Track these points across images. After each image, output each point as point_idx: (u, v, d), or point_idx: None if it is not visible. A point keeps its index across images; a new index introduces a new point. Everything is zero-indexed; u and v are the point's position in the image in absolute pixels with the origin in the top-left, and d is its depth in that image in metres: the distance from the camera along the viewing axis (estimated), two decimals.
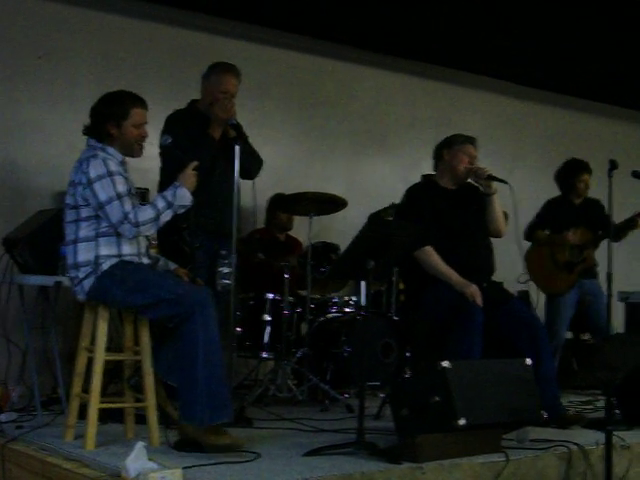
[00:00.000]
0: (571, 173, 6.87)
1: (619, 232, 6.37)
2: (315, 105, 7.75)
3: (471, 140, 5.37)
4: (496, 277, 5.44)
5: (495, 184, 5.27)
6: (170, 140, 4.38)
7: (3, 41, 6.13)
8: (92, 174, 4.02)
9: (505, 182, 5.17)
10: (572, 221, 6.75)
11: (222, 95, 5.07)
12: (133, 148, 4.22)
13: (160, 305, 4.00)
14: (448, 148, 5.36)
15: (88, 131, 4.21)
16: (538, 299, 7.01)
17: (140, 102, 4.21)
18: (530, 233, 6.82)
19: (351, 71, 7.96)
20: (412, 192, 5.42)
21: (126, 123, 4.15)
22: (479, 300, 4.92)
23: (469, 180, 5.35)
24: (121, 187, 4.05)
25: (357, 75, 8.00)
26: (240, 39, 7.22)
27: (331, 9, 6.92)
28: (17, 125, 6.16)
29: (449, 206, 5.27)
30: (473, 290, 4.95)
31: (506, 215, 5.51)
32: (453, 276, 5.04)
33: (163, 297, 3.98)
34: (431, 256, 5.09)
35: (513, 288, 7.23)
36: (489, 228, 5.32)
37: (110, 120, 4.14)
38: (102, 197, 4.01)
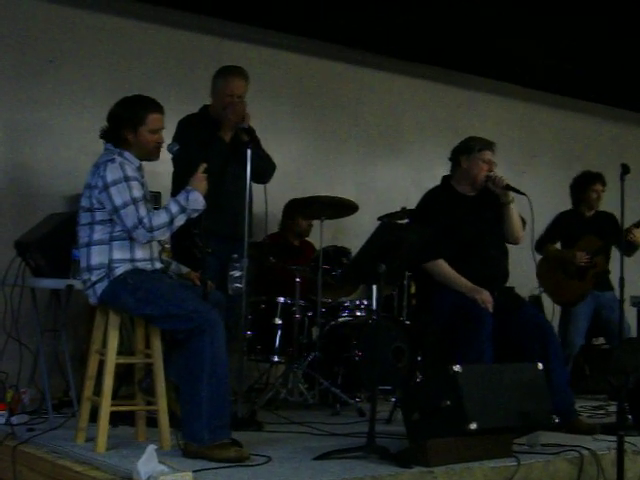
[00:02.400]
0: (584, 183, 6.85)
1: (627, 247, 6.33)
2: (326, 109, 7.75)
3: (489, 146, 5.25)
4: (509, 283, 5.40)
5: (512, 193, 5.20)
6: (177, 148, 4.39)
7: (15, 45, 6.16)
8: (109, 178, 4.02)
9: (522, 193, 5.08)
10: (582, 233, 6.73)
11: (229, 98, 5.08)
12: (150, 153, 4.23)
13: (170, 319, 4.00)
14: (467, 155, 5.22)
15: (105, 135, 4.21)
16: (554, 311, 6.99)
17: (157, 107, 4.21)
18: (540, 246, 6.77)
19: (362, 75, 7.96)
20: (429, 198, 5.34)
21: (142, 129, 4.15)
22: (490, 306, 4.90)
23: None
24: (137, 192, 4.05)
25: (368, 79, 8.00)
26: (251, 43, 7.22)
27: (342, 13, 6.92)
28: (28, 128, 6.18)
29: (466, 213, 5.19)
30: (484, 296, 4.92)
31: (523, 221, 5.46)
32: (464, 284, 5.01)
33: (172, 312, 3.98)
34: (443, 268, 5.04)
35: (525, 293, 7.23)
36: (506, 235, 5.27)
37: (127, 125, 4.14)
38: (118, 202, 4.01)
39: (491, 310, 4.88)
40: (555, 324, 6.45)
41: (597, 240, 6.66)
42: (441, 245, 5.01)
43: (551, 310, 6.86)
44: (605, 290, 6.74)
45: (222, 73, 5.21)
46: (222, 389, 3.94)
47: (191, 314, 3.94)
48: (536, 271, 6.83)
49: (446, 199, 5.26)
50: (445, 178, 5.38)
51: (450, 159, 5.34)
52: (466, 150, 5.25)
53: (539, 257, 6.77)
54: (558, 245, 6.96)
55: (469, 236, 5.12)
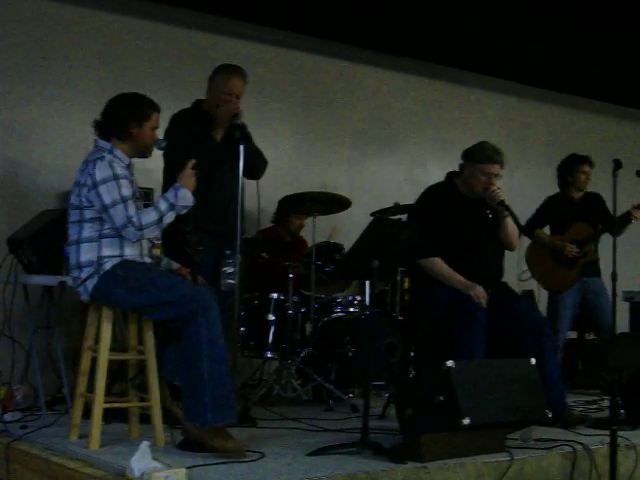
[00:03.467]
0: (571, 165, 6.84)
1: (618, 227, 6.32)
2: (318, 105, 7.75)
3: (490, 159, 5.12)
4: (513, 275, 5.38)
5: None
6: (164, 144, 4.38)
7: (6, 42, 6.14)
8: (98, 177, 4.02)
9: (511, 213, 5.08)
10: (571, 217, 6.73)
11: (227, 97, 5.07)
12: (148, 148, 4.26)
13: (162, 306, 4.00)
14: (469, 162, 5.16)
15: (103, 129, 4.21)
16: (539, 296, 7.00)
17: (158, 108, 4.28)
18: (530, 230, 6.78)
19: (354, 70, 7.96)
20: (430, 193, 5.32)
21: (147, 125, 4.19)
22: (484, 301, 4.91)
23: None
24: (126, 191, 4.05)
25: (360, 74, 8.00)
26: (242, 38, 7.22)
27: (334, 8, 6.92)
28: (20, 125, 6.17)
29: (464, 214, 5.19)
30: (478, 291, 4.93)
31: (520, 227, 5.43)
32: (457, 279, 5.02)
33: (165, 299, 3.98)
34: (439, 266, 5.05)
35: (517, 287, 7.25)
36: (501, 241, 5.28)
37: (132, 120, 4.16)
38: (107, 200, 4.01)
39: (485, 305, 4.90)
40: (543, 310, 6.49)
41: (587, 227, 6.66)
42: (438, 242, 5.02)
43: (537, 295, 6.92)
44: (593, 276, 6.74)
45: (223, 71, 5.19)
46: (222, 370, 3.94)
47: (183, 299, 3.95)
48: (525, 254, 6.86)
49: (447, 197, 5.24)
50: (450, 175, 5.34)
51: (461, 159, 5.27)
52: (469, 157, 5.19)
53: (524, 245, 6.78)
54: (547, 229, 6.97)
55: (466, 235, 5.12)
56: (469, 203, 5.24)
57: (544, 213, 6.89)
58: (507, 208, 5.11)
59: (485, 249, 5.18)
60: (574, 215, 6.75)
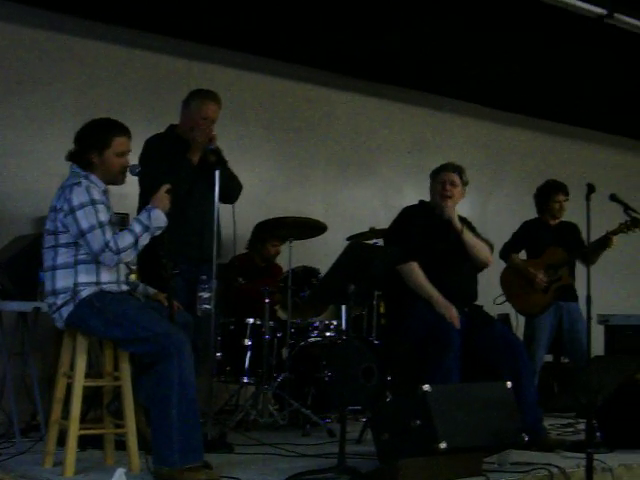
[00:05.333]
0: (546, 193, 6.90)
1: (592, 254, 6.36)
2: (294, 130, 7.78)
3: (445, 167, 5.40)
4: (488, 297, 5.43)
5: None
6: (138, 169, 4.38)
7: None
8: (75, 202, 4.00)
9: (459, 230, 5.22)
10: (548, 243, 6.77)
11: (203, 121, 5.09)
12: (115, 177, 4.23)
13: (136, 342, 3.98)
14: (431, 179, 5.43)
15: (72, 157, 4.20)
16: (518, 321, 7.02)
17: (123, 131, 4.22)
18: (505, 254, 6.83)
19: (329, 96, 7.99)
20: (405, 212, 5.45)
21: (108, 152, 4.15)
22: (457, 322, 4.93)
23: None
24: (103, 216, 4.04)
25: (335, 100, 8.04)
26: (218, 64, 7.24)
27: (309, 35, 6.97)
28: None
29: (438, 231, 5.27)
30: (452, 312, 4.96)
31: (491, 246, 5.50)
32: (434, 295, 5.05)
33: (139, 335, 3.96)
34: (415, 271, 5.11)
35: (493, 311, 7.27)
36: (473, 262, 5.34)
37: (92, 148, 4.14)
38: (84, 225, 3.99)
39: (457, 326, 4.91)
40: (520, 334, 6.53)
41: (561, 252, 6.70)
42: (415, 251, 5.06)
43: (515, 320, 6.95)
44: (570, 301, 6.77)
45: (197, 96, 5.21)
46: (192, 412, 3.91)
47: (158, 337, 3.92)
48: (500, 277, 6.89)
49: (421, 216, 5.34)
50: (422, 201, 5.51)
51: None
52: (431, 176, 5.44)
53: (500, 270, 6.83)
54: (523, 253, 7.01)
55: (439, 253, 5.17)
56: (443, 223, 5.30)
57: (520, 237, 6.93)
58: (451, 220, 5.24)
59: (459, 267, 5.24)
60: (550, 240, 6.79)
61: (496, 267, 6.71)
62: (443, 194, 5.29)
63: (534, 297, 6.74)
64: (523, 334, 6.81)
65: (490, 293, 6.53)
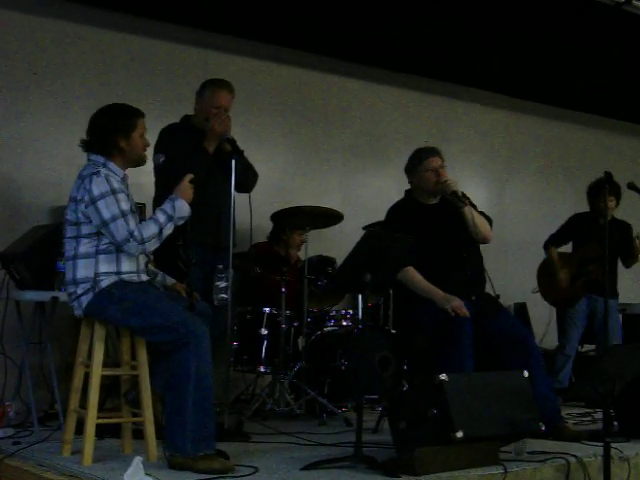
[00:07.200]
0: (594, 192, 6.86)
1: (632, 257, 6.44)
2: (309, 119, 7.76)
3: (430, 153, 5.27)
4: (504, 287, 5.38)
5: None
6: (163, 159, 4.38)
7: None
8: (95, 192, 4.00)
9: (463, 203, 5.13)
10: (592, 237, 6.71)
11: (216, 110, 5.09)
12: (142, 157, 4.25)
13: (155, 330, 3.99)
14: (413, 171, 5.30)
15: (90, 146, 4.19)
16: (550, 311, 7.09)
17: (141, 112, 4.25)
18: (546, 244, 6.90)
19: (345, 85, 7.98)
20: (392, 212, 5.37)
21: (134, 134, 4.17)
22: (463, 311, 4.89)
23: None
24: (124, 205, 4.03)
25: (351, 89, 8.02)
26: (233, 54, 7.23)
27: (325, 23, 6.95)
28: (12, 140, 6.16)
29: (430, 222, 5.20)
30: (455, 305, 4.90)
31: (489, 219, 5.42)
32: (434, 293, 4.99)
33: (158, 324, 3.97)
34: (412, 276, 5.05)
35: (510, 301, 7.29)
36: (474, 237, 5.27)
37: (118, 133, 4.13)
38: (106, 215, 3.99)
39: (466, 314, 4.87)
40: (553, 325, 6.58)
41: (597, 248, 6.65)
42: (411, 255, 5.02)
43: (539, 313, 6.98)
44: (603, 296, 6.74)
45: (210, 85, 5.23)
46: (207, 401, 3.93)
47: (176, 326, 3.93)
48: (538, 268, 7.02)
49: (409, 210, 5.28)
50: (407, 192, 5.43)
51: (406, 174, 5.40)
52: (411, 167, 5.32)
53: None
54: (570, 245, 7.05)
55: (436, 243, 5.11)
56: (431, 210, 5.27)
57: (565, 230, 6.96)
58: (459, 198, 5.15)
59: (460, 253, 5.18)
60: (594, 235, 6.72)
61: (537, 256, 6.73)
62: (439, 180, 5.20)
63: (561, 290, 6.78)
64: (557, 324, 6.89)
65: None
